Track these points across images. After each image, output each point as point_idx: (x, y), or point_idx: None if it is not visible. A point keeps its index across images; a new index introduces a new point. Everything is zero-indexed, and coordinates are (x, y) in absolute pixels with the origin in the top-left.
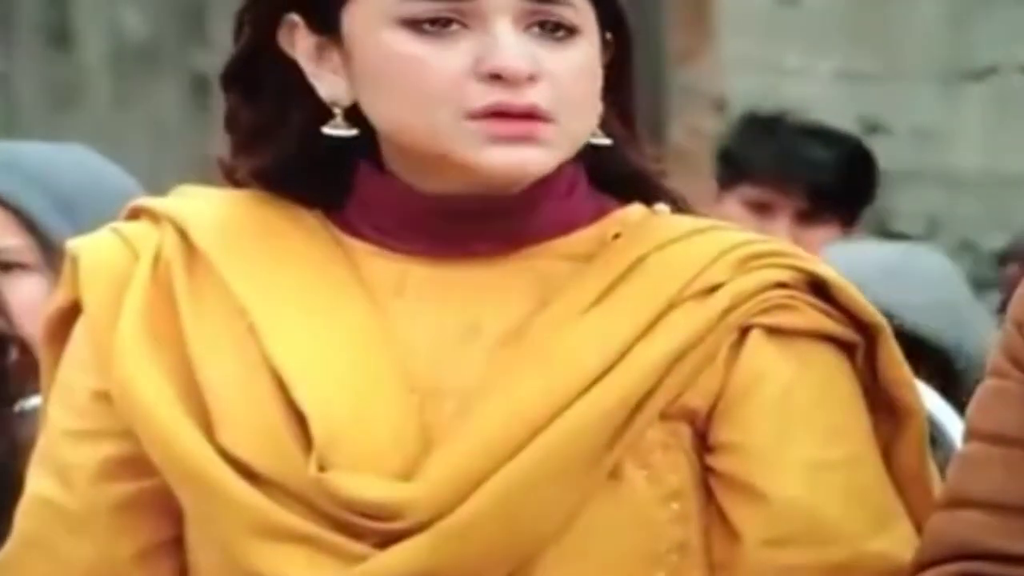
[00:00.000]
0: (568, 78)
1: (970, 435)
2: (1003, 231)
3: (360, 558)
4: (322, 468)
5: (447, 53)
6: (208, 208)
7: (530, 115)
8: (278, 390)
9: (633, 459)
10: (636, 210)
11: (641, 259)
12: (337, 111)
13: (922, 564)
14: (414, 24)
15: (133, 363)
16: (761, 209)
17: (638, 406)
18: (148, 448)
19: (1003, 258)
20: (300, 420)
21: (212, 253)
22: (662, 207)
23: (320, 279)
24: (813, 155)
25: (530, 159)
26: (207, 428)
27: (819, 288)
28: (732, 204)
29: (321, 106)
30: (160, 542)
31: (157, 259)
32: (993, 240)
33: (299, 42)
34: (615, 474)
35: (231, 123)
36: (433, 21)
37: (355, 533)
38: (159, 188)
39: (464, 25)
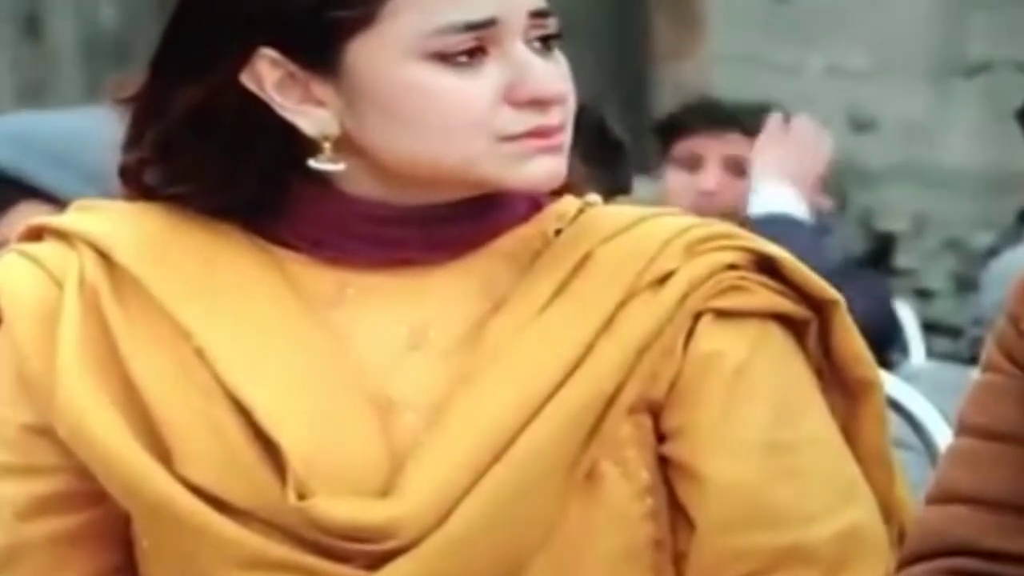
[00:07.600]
0: (569, 87)
1: (962, 430)
2: (990, 230)
3: None
4: (301, 495)
5: (477, 82)
6: (124, 225)
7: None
8: (239, 416)
9: (608, 457)
10: (570, 203)
11: (589, 254)
12: (327, 145)
13: (911, 558)
14: (444, 57)
15: (81, 399)
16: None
17: (609, 402)
18: (108, 486)
19: (989, 257)
20: (266, 446)
21: (142, 275)
22: (594, 198)
23: (258, 293)
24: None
25: (561, 167)
26: (164, 459)
27: (767, 267)
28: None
29: (254, 129)
30: (104, 571)
31: (81, 285)
32: (980, 239)
33: (267, 77)
34: (592, 474)
35: (138, 139)
36: (463, 53)
37: (342, 557)
38: None
39: (485, 52)
